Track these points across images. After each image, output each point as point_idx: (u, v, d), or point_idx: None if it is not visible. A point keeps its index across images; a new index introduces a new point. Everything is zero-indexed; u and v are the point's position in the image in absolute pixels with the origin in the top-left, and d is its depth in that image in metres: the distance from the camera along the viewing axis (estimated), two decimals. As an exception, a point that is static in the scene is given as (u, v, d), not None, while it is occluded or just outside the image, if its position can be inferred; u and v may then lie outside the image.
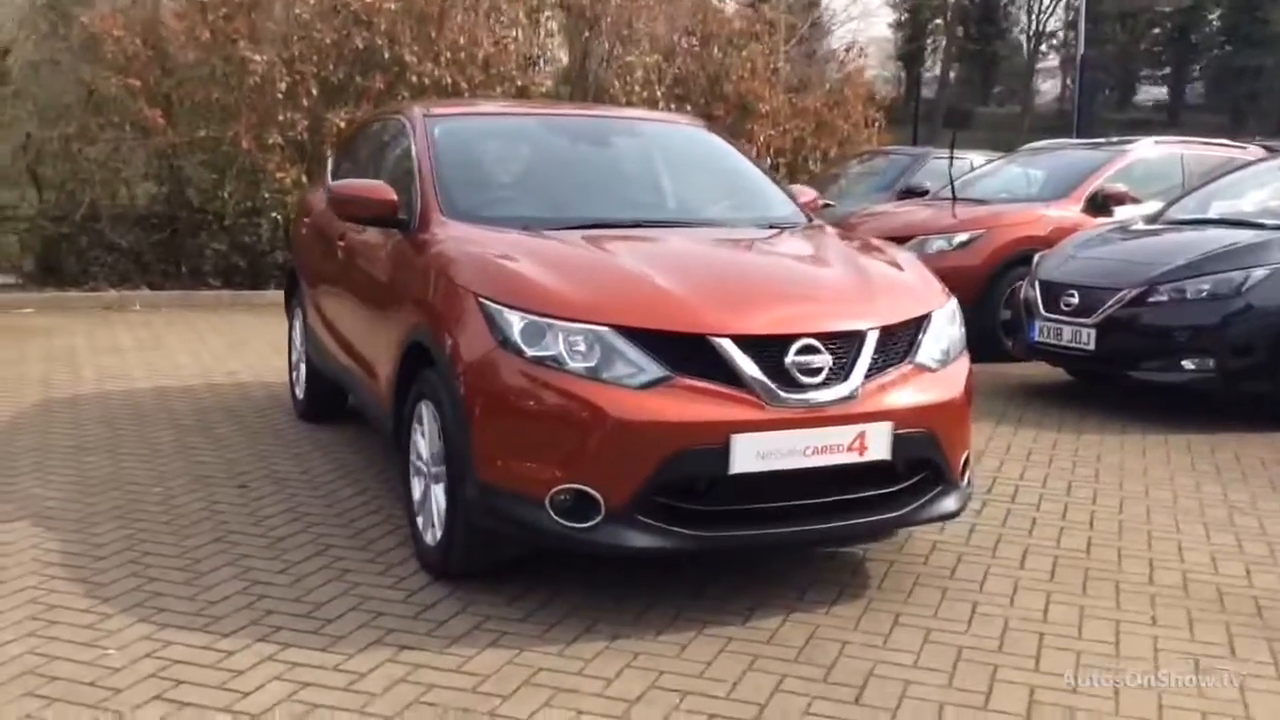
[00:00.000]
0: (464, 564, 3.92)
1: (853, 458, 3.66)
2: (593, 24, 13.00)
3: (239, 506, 4.82)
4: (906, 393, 3.79)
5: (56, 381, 7.36)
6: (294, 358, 6.56)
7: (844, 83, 14.31)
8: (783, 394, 3.56)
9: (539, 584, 3.95)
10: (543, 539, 3.63)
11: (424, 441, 4.07)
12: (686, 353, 3.56)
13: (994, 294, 8.73)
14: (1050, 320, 7.16)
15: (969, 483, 4.11)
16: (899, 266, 4.30)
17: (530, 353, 3.59)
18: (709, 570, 4.11)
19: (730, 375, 3.55)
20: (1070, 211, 9.08)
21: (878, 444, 3.68)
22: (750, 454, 3.52)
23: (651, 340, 3.56)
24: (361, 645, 3.49)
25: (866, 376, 3.71)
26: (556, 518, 3.54)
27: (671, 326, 3.58)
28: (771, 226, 4.72)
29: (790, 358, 3.59)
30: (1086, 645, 3.63)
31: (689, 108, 13.03)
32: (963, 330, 4.19)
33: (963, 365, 4.07)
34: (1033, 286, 7.43)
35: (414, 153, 4.75)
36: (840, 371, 3.67)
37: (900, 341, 3.87)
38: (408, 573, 4.08)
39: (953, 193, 9.67)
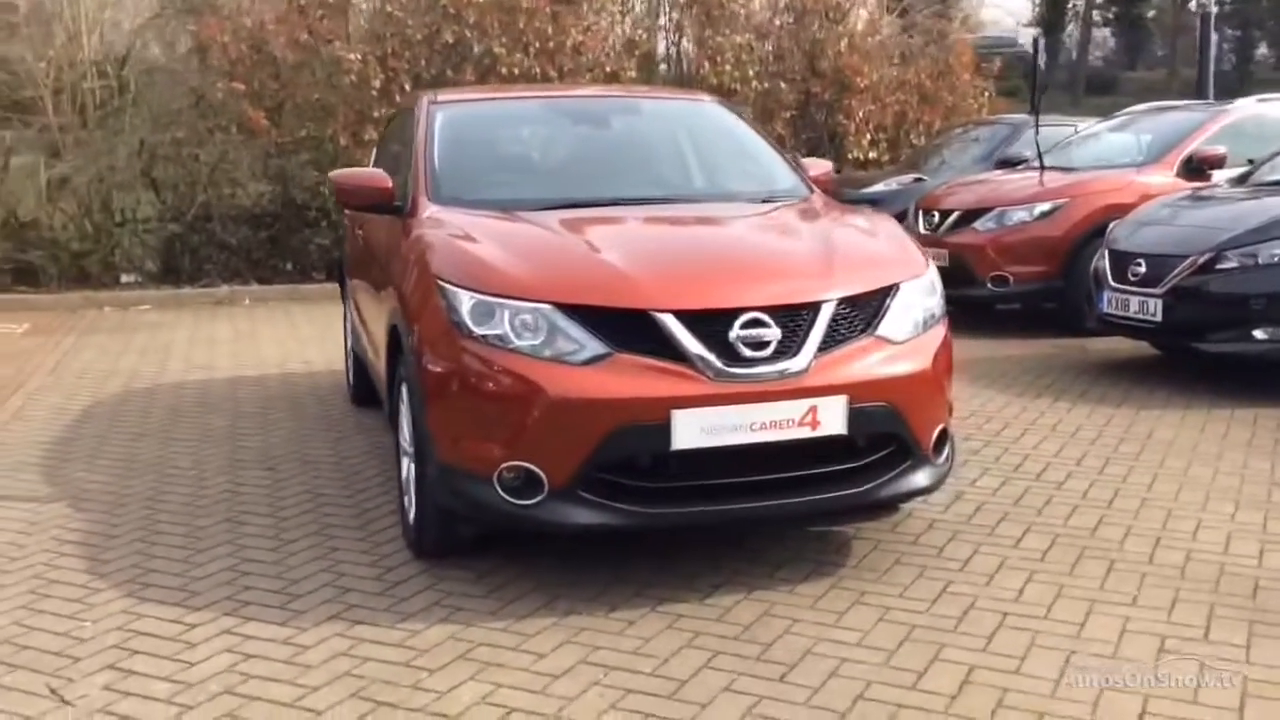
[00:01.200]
0: (435, 543, 4.01)
1: (805, 433, 3.60)
2: (685, 6, 12.95)
3: (261, 489, 5.01)
4: (865, 366, 3.70)
5: (143, 373, 7.76)
6: (347, 345, 6.78)
7: (948, 52, 13.88)
8: (727, 368, 3.53)
9: (513, 561, 4.00)
10: (494, 517, 3.68)
11: (406, 423, 4.16)
12: (629, 329, 3.56)
13: (1078, 266, 8.36)
14: (1119, 291, 6.85)
15: (947, 458, 3.99)
16: (875, 237, 4.19)
17: (478, 331, 3.64)
18: (688, 546, 4.09)
19: (673, 351, 3.53)
20: (1162, 177, 8.64)
21: (832, 418, 3.61)
22: (693, 430, 3.50)
23: (594, 317, 3.57)
24: (318, 620, 3.61)
25: (821, 350, 3.64)
26: (504, 495, 3.58)
27: (613, 303, 3.59)
28: (765, 201, 4.65)
29: (735, 332, 3.55)
30: (1048, 626, 3.49)
31: (783, 86, 12.89)
32: (941, 301, 4.07)
33: (935, 336, 3.94)
34: (1103, 256, 7.12)
35: (415, 140, 4.86)
36: (791, 345, 3.61)
37: (861, 314, 3.78)
38: (391, 551, 4.19)
39: (1040, 161, 9.33)
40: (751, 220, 4.47)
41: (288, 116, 11.75)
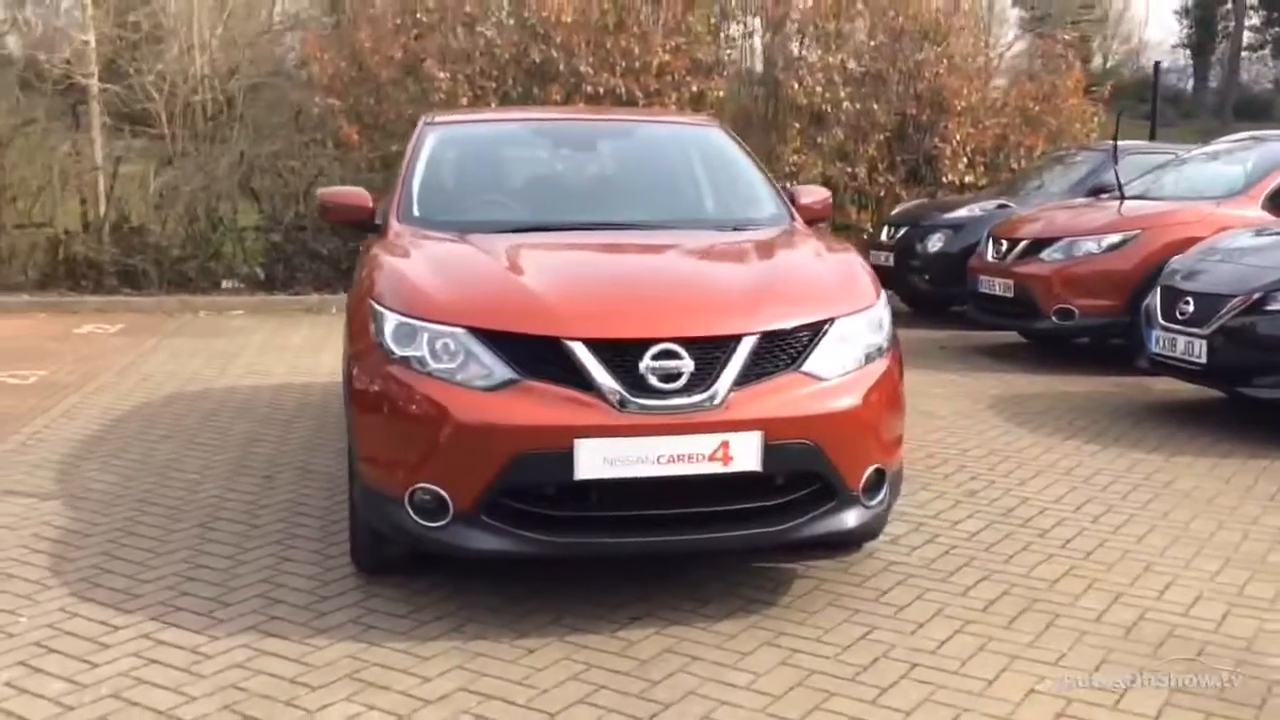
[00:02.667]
0: (369, 561, 4.06)
1: (716, 468, 3.52)
2: (777, 26, 12.86)
3: (248, 496, 5.14)
4: (785, 402, 3.60)
5: (202, 376, 8.06)
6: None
7: (1054, 74, 13.43)
8: (634, 399, 3.48)
9: (452, 581, 4.00)
10: (407, 538, 3.70)
11: (351, 442, 4.22)
12: (539, 355, 3.54)
13: (1148, 301, 7.99)
14: (1167, 330, 6.52)
15: (883, 500, 3.85)
16: (822, 270, 4.09)
17: (399, 353, 3.67)
18: (625, 575, 4.04)
19: (581, 379, 3.50)
20: (1246, 210, 8.19)
21: (745, 454, 3.53)
22: (596, 460, 3.46)
23: (505, 342, 3.57)
24: (232, 630, 3.68)
25: (739, 384, 3.56)
26: (414, 517, 3.61)
27: (524, 329, 3.58)
28: (735, 229, 4.58)
29: (646, 362, 3.50)
30: (954, 681, 3.34)
31: (876, 107, 12.67)
32: (889, 335, 3.94)
33: (873, 373, 3.81)
34: (1156, 293, 6.79)
35: (405, 160, 4.94)
36: (705, 378, 3.54)
37: (787, 348, 3.68)
38: (337, 566, 4.24)
39: (1120, 190, 8.95)
40: (700, 249, 4.40)
41: (380, 132, 12.07)
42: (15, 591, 4.01)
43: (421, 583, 4.01)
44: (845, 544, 4.17)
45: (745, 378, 3.58)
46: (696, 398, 3.52)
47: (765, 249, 4.29)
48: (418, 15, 11.81)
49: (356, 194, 4.80)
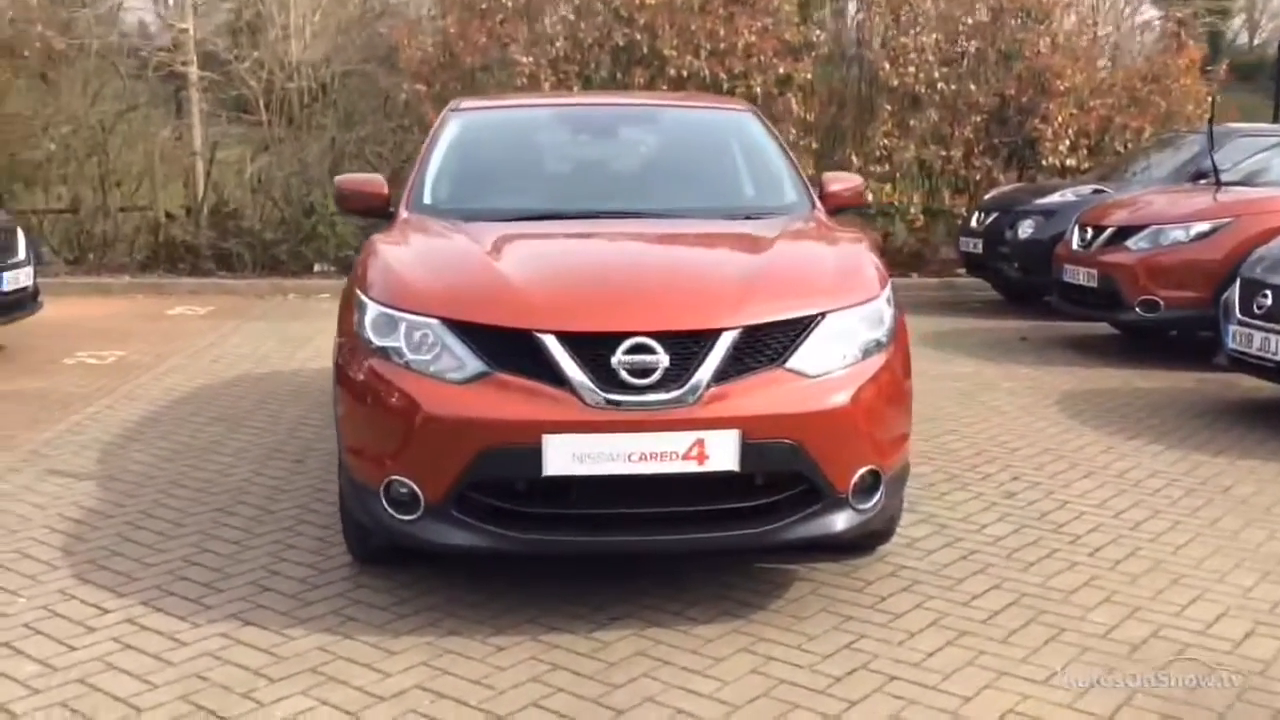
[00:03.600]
0: (359, 551, 4.04)
1: (691, 466, 3.40)
2: (870, 4, 12.51)
3: (275, 480, 5.20)
4: (766, 399, 3.45)
5: (270, 359, 8.21)
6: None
7: (1164, 53, 12.78)
8: (605, 394, 3.38)
9: (440, 574, 3.96)
10: (383, 531, 3.67)
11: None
12: (511, 348, 3.46)
13: (1239, 292, 7.54)
14: (1243, 325, 6.13)
15: (876, 503, 3.66)
16: (820, 262, 3.92)
17: (378, 343, 3.64)
18: (615, 572, 3.95)
19: (552, 373, 3.41)
20: (1354, 196, 7.67)
21: (722, 453, 3.39)
22: (565, 456, 3.36)
23: (477, 334, 3.50)
24: (214, 618, 3.69)
25: (717, 380, 3.43)
26: (388, 509, 3.57)
27: (496, 321, 3.50)
28: (748, 218, 4.42)
29: (619, 357, 3.39)
30: (929, 697, 3.16)
31: (974, 88, 12.24)
32: (885, 331, 3.74)
33: (867, 369, 3.62)
34: (1235, 285, 6.39)
35: (424, 147, 4.91)
36: (681, 374, 3.41)
37: (772, 344, 3.53)
38: (336, 554, 4.23)
39: (1215, 176, 8.47)
40: (699, 239, 4.26)
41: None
42: (23, 571, 4.11)
43: (408, 575, 3.98)
44: (843, 547, 4.01)
45: (724, 373, 3.45)
46: (671, 394, 3.40)
47: (767, 239, 4.12)
48: (504, 0, 11.80)
49: (373, 181, 4.79)
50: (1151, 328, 8.23)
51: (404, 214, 4.47)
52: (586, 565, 4.00)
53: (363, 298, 3.77)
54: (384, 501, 3.57)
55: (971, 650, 3.45)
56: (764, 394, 3.46)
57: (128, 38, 12.44)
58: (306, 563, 4.17)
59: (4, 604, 3.83)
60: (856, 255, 4.05)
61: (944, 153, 12.38)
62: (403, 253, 3.98)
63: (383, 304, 3.68)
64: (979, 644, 3.50)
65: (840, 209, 4.92)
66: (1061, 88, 12.22)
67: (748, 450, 3.41)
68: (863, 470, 3.59)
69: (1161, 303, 7.84)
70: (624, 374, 3.39)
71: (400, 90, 12.14)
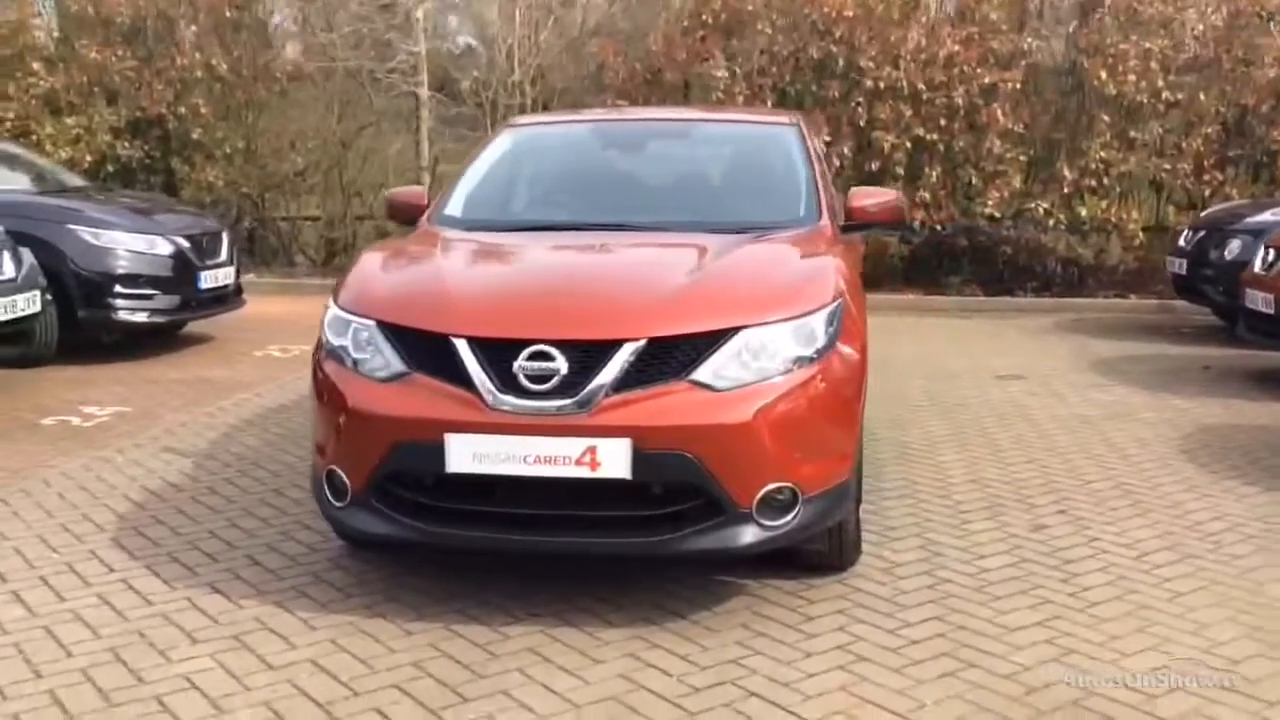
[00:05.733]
0: (342, 536, 4.34)
1: (584, 472, 3.49)
2: (1087, 11, 11.83)
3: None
4: (662, 410, 3.49)
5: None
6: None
7: None
8: (503, 398, 3.52)
9: (431, 563, 4.17)
10: (325, 516, 3.96)
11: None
12: (430, 350, 3.67)
13: None
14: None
15: (790, 521, 3.59)
16: (766, 276, 3.91)
17: (333, 342, 3.94)
18: (577, 573, 4.07)
19: (462, 375, 3.59)
20: None
21: (614, 461, 3.47)
22: (465, 455, 3.54)
23: (404, 336, 3.73)
24: (190, 584, 4.09)
25: (618, 389, 3.51)
26: (329, 496, 3.86)
27: (418, 324, 3.72)
28: (740, 231, 4.40)
29: (519, 362, 3.53)
30: (773, 715, 3.11)
31: (1203, 97, 11.37)
32: (816, 348, 3.68)
33: (781, 385, 3.57)
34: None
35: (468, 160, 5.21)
36: (579, 381, 3.51)
37: (679, 356, 3.56)
38: (333, 540, 4.54)
39: None
40: (657, 252, 4.30)
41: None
42: (78, 531, 4.66)
43: (387, 558, 4.24)
44: (809, 566, 4.05)
45: (625, 383, 3.51)
46: (565, 401, 3.50)
47: (727, 253, 4.10)
48: (704, 17, 12.00)
49: (416, 193, 5.12)
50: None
51: (422, 225, 4.77)
52: (542, 562, 4.14)
53: (330, 301, 4.08)
54: (326, 490, 3.86)
55: (855, 676, 3.36)
56: (660, 405, 3.50)
57: (371, 60, 13.43)
58: (308, 544, 4.51)
59: (41, 555, 4.38)
60: (805, 271, 4.00)
61: (1168, 167, 11.56)
62: (376, 261, 4.27)
63: (340, 307, 3.98)
64: (868, 670, 3.40)
65: (869, 225, 4.83)
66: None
67: (640, 460, 3.46)
68: (771, 487, 3.56)
69: (1342, 333, 7.09)
70: (523, 379, 3.53)
71: (607, 106, 12.55)
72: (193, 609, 3.88)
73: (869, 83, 11.42)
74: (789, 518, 3.61)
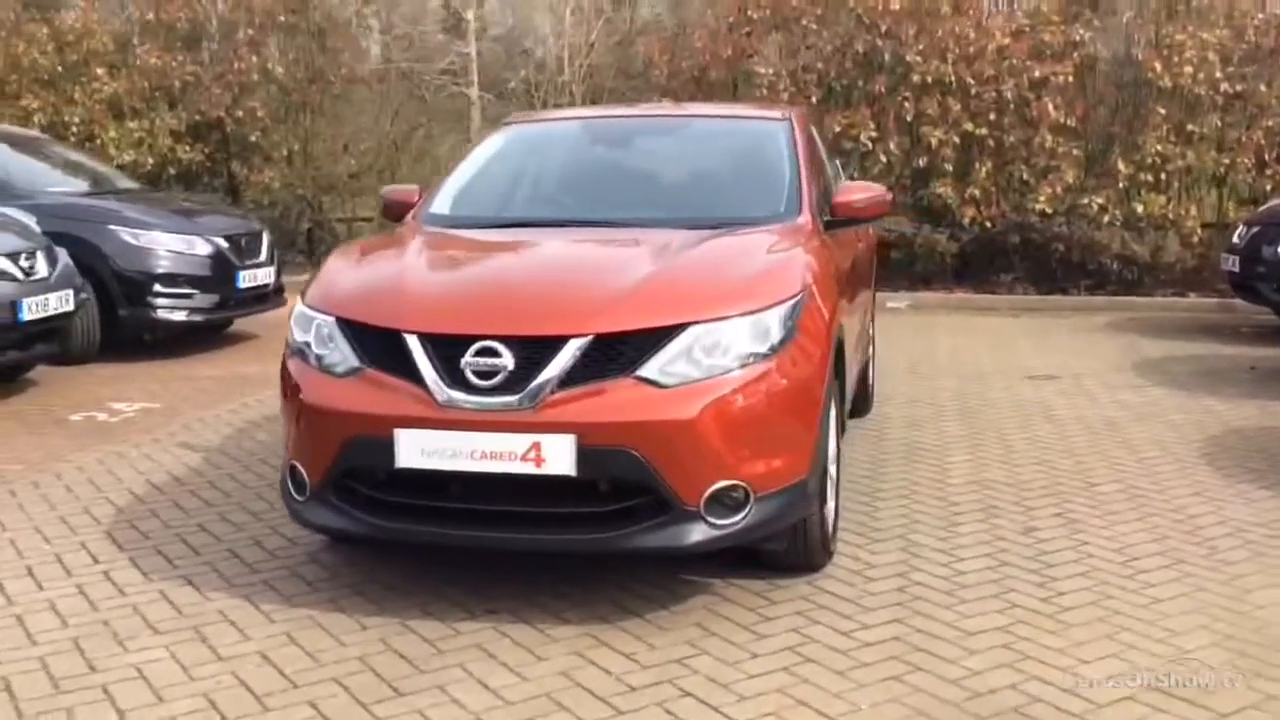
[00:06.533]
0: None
1: (529, 468, 3.48)
2: (1142, 1, 11.51)
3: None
4: (607, 407, 3.47)
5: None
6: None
7: None
8: (450, 393, 3.53)
9: (417, 558, 4.20)
10: (288, 509, 4.00)
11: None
12: (383, 346, 3.70)
13: None
14: None
15: (741, 520, 3.55)
16: (721, 272, 3.86)
17: (298, 339, 3.98)
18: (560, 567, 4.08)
19: (413, 371, 3.61)
20: None
21: (558, 458, 3.46)
22: (414, 450, 3.55)
23: (359, 332, 3.76)
24: (166, 577, 4.17)
25: (564, 385, 3.49)
26: (291, 490, 3.90)
27: (372, 320, 3.75)
28: (712, 227, 4.33)
29: (466, 358, 3.54)
30: (703, 714, 3.07)
31: (1263, 89, 11.00)
32: (769, 345, 3.62)
33: (731, 382, 3.53)
34: None
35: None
36: (525, 377, 3.50)
37: (626, 352, 3.54)
38: (314, 535, 4.57)
39: None
40: (618, 249, 4.27)
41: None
42: (98, 515, 4.79)
43: (364, 553, 4.28)
44: (777, 566, 4.02)
45: (571, 380, 3.50)
46: (511, 397, 3.50)
47: (690, 249, 4.06)
48: (749, 13, 11.92)
49: (408, 191, 5.15)
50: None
51: (407, 221, 4.80)
52: (508, 558, 4.14)
53: (297, 297, 4.13)
54: (290, 484, 3.91)
55: (796, 678, 3.31)
56: (604, 401, 3.48)
57: (422, 62, 13.58)
58: (304, 542, 4.55)
59: (63, 534, 4.51)
60: (766, 266, 3.95)
61: (1227, 161, 11.21)
62: (346, 258, 4.31)
63: (305, 303, 4.02)
64: (811, 672, 3.34)
65: (855, 220, 4.76)
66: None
67: (585, 456, 3.45)
68: (720, 485, 3.52)
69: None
70: (470, 375, 3.53)
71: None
72: (163, 600, 3.96)
73: (916, 77, 11.25)
74: (739, 517, 3.57)
